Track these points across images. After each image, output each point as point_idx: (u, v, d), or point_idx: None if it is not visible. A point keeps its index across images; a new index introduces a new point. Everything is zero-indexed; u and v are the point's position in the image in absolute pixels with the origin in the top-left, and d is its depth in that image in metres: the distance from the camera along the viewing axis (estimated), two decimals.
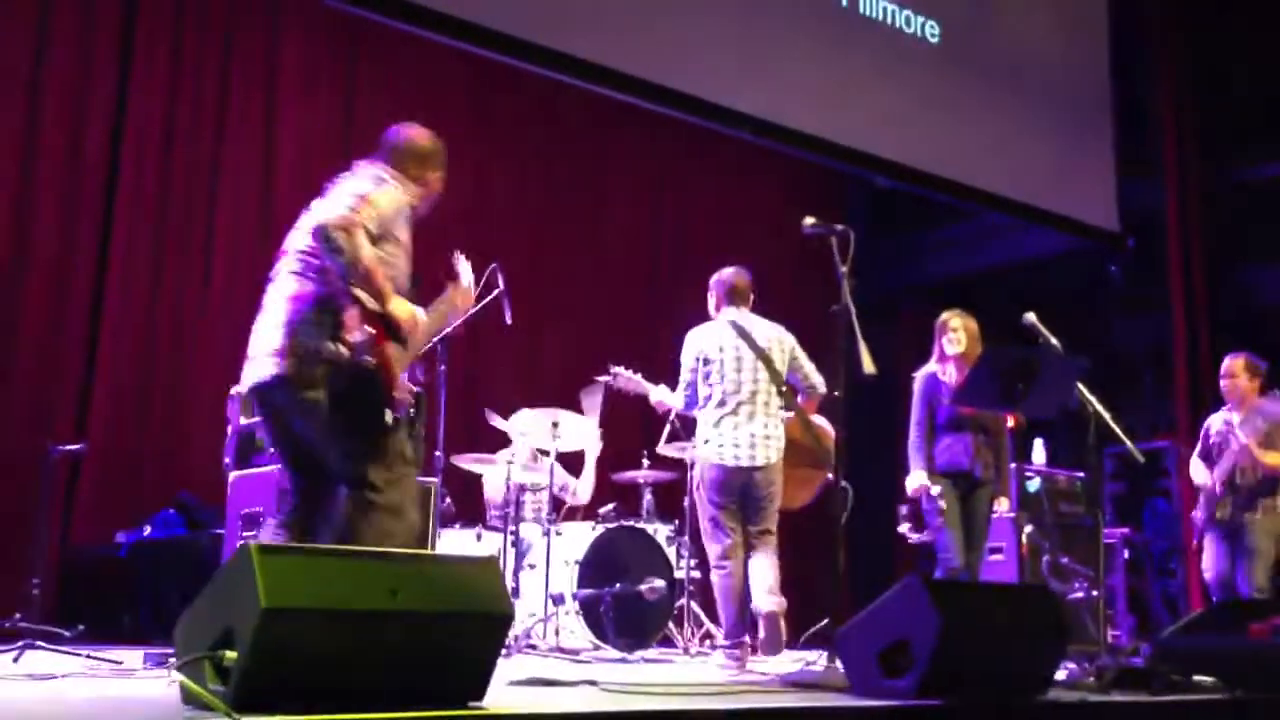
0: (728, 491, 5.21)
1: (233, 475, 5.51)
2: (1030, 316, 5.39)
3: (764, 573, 5.19)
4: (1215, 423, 6.53)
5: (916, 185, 8.24)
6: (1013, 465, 5.58)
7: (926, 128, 7.97)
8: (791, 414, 5.39)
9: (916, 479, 5.47)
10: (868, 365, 4.25)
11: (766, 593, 5.14)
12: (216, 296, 7.11)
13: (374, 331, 3.48)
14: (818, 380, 5.43)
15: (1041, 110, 8.60)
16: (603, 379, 5.78)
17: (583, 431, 6.35)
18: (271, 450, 3.76)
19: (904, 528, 6.45)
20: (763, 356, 5.29)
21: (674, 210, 9.27)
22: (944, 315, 5.64)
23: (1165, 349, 9.28)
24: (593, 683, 3.77)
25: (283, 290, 3.59)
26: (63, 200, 6.66)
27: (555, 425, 6.13)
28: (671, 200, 9.28)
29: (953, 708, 3.29)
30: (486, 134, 8.30)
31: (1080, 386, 5.10)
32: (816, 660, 4.63)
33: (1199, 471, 6.49)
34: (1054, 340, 5.30)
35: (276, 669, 2.47)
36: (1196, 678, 3.96)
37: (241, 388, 3.71)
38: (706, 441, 5.25)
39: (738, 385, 5.25)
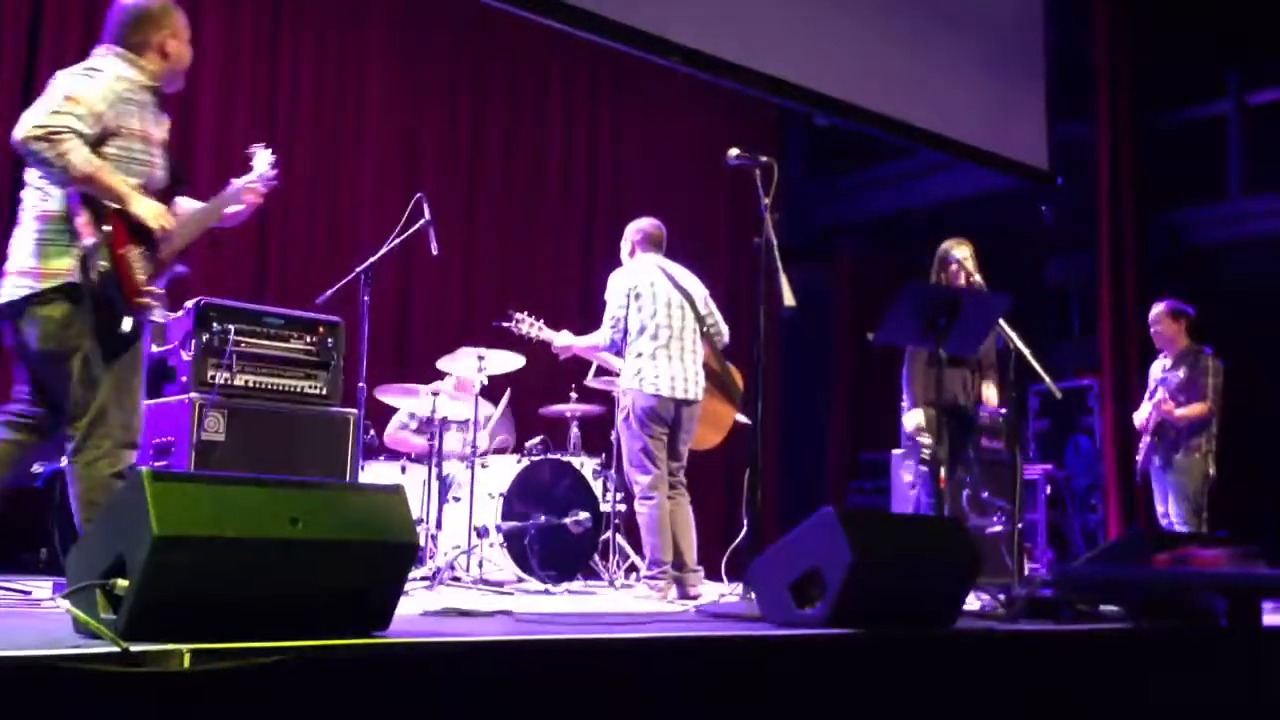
0: (660, 421, 5.30)
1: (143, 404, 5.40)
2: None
3: (688, 530, 5.36)
4: (1155, 369, 6.76)
5: (851, 120, 8.22)
6: None
7: (862, 63, 7.93)
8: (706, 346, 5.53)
9: (914, 418, 5.47)
10: (788, 298, 4.26)
11: (693, 562, 5.32)
12: None
13: (110, 231, 3.37)
14: (724, 329, 5.63)
15: (976, 47, 8.59)
16: (504, 324, 5.73)
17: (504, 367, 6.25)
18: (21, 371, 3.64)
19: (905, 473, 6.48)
20: (686, 296, 5.47)
21: (609, 148, 9.14)
22: (946, 245, 5.62)
23: (1094, 289, 9.37)
24: (507, 613, 3.77)
25: (28, 209, 3.49)
26: None
27: (480, 359, 6.05)
28: (607, 138, 9.15)
29: (862, 637, 3.32)
30: (415, 66, 8.11)
31: (1003, 324, 5.14)
32: (731, 592, 4.67)
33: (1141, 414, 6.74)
34: (977, 277, 5.34)
35: (168, 598, 2.42)
36: (1103, 608, 4.05)
37: None
38: (639, 371, 5.29)
39: (668, 320, 5.37)
